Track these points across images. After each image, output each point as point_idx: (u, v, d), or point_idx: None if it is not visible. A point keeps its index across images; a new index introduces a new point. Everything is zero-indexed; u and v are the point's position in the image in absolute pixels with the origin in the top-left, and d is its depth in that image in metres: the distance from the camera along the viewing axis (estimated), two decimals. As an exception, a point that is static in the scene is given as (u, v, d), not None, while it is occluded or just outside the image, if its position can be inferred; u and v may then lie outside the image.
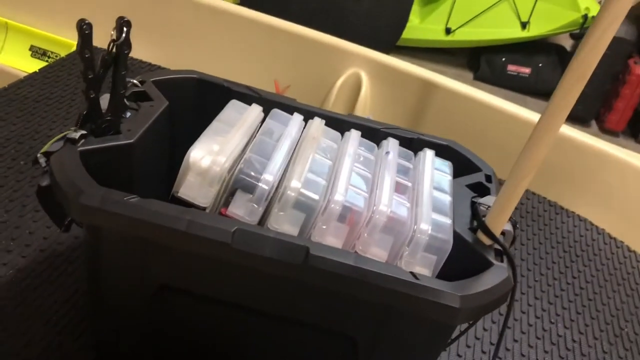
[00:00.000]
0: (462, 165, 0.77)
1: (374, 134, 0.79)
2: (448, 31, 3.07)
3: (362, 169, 0.70)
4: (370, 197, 0.66)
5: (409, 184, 0.70)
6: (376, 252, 0.64)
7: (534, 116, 1.26)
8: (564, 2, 2.89)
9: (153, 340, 0.69)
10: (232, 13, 1.45)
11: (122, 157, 0.66)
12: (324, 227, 0.63)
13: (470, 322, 0.72)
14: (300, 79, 1.43)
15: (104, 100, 0.66)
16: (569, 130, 1.25)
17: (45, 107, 1.17)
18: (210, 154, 0.65)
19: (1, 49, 1.64)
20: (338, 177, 0.66)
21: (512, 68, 3.10)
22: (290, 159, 0.69)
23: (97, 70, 0.63)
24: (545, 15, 2.94)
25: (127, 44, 0.64)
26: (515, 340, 0.91)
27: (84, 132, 0.63)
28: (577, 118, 2.94)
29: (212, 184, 0.64)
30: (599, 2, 2.91)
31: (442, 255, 0.63)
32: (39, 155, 0.62)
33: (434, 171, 0.73)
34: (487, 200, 0.68)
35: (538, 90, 3.05)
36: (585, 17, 2.84)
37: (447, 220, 0.65)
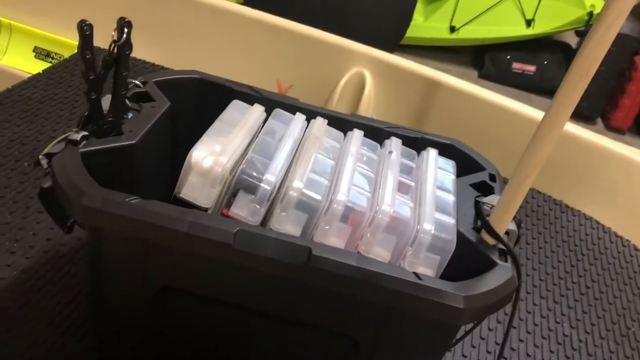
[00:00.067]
0: (465, 164, 0.76)
1: (377, 134, 0.78)
2: (452, 29, 3.06)
3: (364, 168, 0.69)
4: (373, 197, 0.65)
5: (412, 184, 0.69)
6: (379, 252, 0.63)
7: (538, 114, 1.25)
8: (569, -1, 2.88)
9: (154, 342, 0.69)
10: (234, 13, 1.45)
11: (124, 158, 0.65)
12: (327, 227, 0.62)
13: (475, 322, 0.71)
14: (304, 79, 1.43)
15: (106, 101, 0.65)
16: (573, 128, 1.24)
17: (48, 108, 1.17)
18: (212, 155, 0.65)
19: (5, 50, 1.64)
20: (340, 177, 0.66)
21: (517, 66, 3.09)
22: (293, 159, 0.68)
23: (99, 71, 0.63)
24: (550, 12, 2.92)
25: (128, 45, 0.64)
26: (521, 340, 0.90)
27: (85, 133, 0.63)
28: (582, 116, 2.92)
29: (214, 184, 0.64)
30: (604, -1, 2.89)
31: (445, 255, 0.63)
32: (40, 156, 0.62)
33: (438, 170, 0.72)
34: (491, 199, 0.68)
35: (543, 88, 3.03)
36: (590, 14, 2.82)
37: (451, 220, 0.65)
